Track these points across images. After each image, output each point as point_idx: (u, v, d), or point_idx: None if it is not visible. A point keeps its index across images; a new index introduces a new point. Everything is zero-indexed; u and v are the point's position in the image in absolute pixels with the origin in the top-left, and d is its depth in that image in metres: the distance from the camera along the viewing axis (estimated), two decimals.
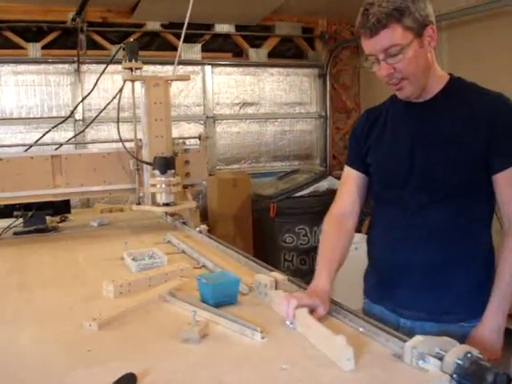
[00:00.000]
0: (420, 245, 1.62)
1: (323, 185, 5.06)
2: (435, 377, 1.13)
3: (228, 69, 5.69)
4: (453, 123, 1.61)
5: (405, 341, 1.21)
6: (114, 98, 2.83)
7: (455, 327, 1.61)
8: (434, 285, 1.60)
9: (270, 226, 5.01)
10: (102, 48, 5.12)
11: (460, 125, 1.59)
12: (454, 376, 1.12)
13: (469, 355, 1.13)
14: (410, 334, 1.29)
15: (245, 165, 5.82)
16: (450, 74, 1.69)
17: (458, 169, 1.59)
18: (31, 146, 2.89)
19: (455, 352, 1.14)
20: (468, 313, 1.64)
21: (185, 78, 2.99)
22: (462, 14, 4.62)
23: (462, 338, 1.52)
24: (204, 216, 5.19)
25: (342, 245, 1.74)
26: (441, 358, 1.15)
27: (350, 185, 1.84)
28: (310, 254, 4.90)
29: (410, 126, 1.69)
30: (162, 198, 2.63)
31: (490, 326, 1.57)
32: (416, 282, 1.60)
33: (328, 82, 6.04)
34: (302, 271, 4.86)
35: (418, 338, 1.19)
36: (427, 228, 1.63)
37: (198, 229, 2.59)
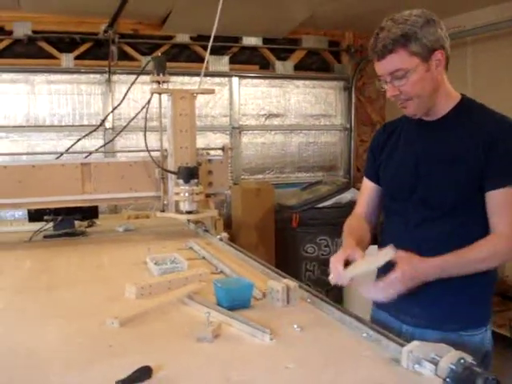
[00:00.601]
0: (422, 256, 1.69)
1: (346, 196, 5.12)
2: (429, 380, 1.21)
3: (255, 81, 5.81)
4: (457, 143, 1.68)
5: (403, 346, 1.29)
6: (142, 109, 2.96)
7: (454, 336, 1.67)
8: (434, 295, 1.66)
9: (292, 236, 5.09)
10: (132, 59, 5.28)
11: (463, 145, 1.67)
12: (447, 380, 1.19)
13: (462, 361, 1.20)
14: (411, 340, 1.35)
15: (269, 175, 5.92)
16: (462, 95, 1.76)
17: (458, 187, 1.66)
18: (62, 154, 3.03)
19: (449, 357, 1.21)
20: (467, 322, 1.71)
21: (209, 92, 3.10)
22: (487, 30, 4.66)
23: (461, 347, 1.51)
24: (228, 224, 5.30)
25: (364, 231, 1.86)
26: (436, 363, 1.22)
27: (366, 196, 1.96)
28: None
29: (418, 143, 1.78)
30: (185, 206, 2.74)
31: (422, 266, 1.60)
32: (417, 291, 1.67)
33: (353, 95, 6.11)
34: (323, 281, 4.91)
35: (414, 344, 1.27)
36: (428, 241, 1.70)
37: (218, 236, 2.69)
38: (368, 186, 1.96)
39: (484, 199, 1.66)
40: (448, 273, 1.62)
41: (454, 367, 1.20)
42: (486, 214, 1.67)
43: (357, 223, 1.91)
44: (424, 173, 1.73)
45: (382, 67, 1.65)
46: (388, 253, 1.56)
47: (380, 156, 1.91)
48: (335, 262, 1.62)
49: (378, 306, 1.89)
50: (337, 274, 1.61)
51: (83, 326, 1.58)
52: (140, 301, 1.79)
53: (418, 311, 1.74)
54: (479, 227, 1.67)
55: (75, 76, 5.13)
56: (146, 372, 1.21)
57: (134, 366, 1.23)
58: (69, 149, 3.19)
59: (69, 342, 1.47)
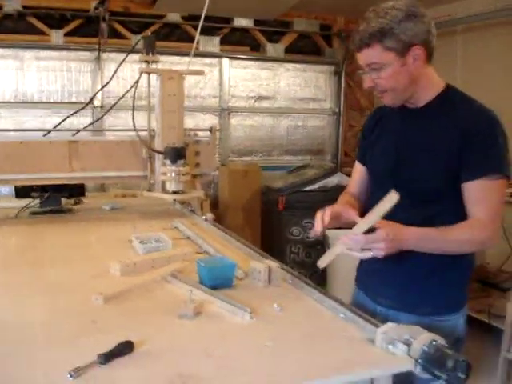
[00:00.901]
0: None
1: (332, 180, 5.16)
2: (402, 360, 1.25)
3: (245, 62, 5.80)
4: (437, 132, 1.71)
5: (378, 327, 1.34)
6: (131, 88, 2.97)
7: (427, 320, 1.70)
8: (408, 278, 1.70)
9: (278, 219, 5.13)
10: (122, 37, 5.25)
11: (443, 134, 1.70)
12: (419, 361, 1.24)
13: (434, 343, 1.25)
14: (385, 321, 1.40)
15: (257, 157, 5.94)
16: (446, 84, 1.79)
17: (437, 175, 1.70)
18: (50, 132, 3.03)
19: (422, 339, 1.26)
20: (439, 307, 1.77)
21: (199, 73, 3.10)
22: (478, 19, 4.68)
23: (435, 331, 1.56)
24: (215, 205, 5.32)
25: (356, 204, 1.92)
26: (409, 344, 1.27)
27: (357, 178, 2.03)
28: (315, 247, 5.01)
29: (400, 129, 1.83)
30: (171, 186, 2.76)
31: (404, 232, 1.62)
32: (392, 274, 1.70)
33: (343, 80, 6.12)
34: (307, 264, 4.97)
35: (389, 325, 1.32)
36: (411, 225, 1.69)
37: (204, 217, 2.72)
38: (358, 169, 2.03)
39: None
40: (425, 245, 1.64)
41: (426, 348, 1.24)
42: (463, 202, 1.70)
43: (349, 197, 1.97)
44: (404, 159, 1.77)
45: (360, 59, 1.71)
46: (392, 197, 1.55)
47: (369, 140, 1.96)
48: (322, 215, 1.67)
49: (358, 285, 1.94)
50: (320, 226, 1.66)
51: (68, 303, 1.61)
52: (124, 278, 1.82)
53: (392, 293, 1.79)
54: (460, 213, 1.70)
55: (65, 53, 5.09)
56: (127, 346, 1.24)
57: (117, 341, 1.27)
58: (57, 126, 3.19)
59: (53, 317, 1.50)
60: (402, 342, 1.28)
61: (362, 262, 1.97)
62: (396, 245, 1.59)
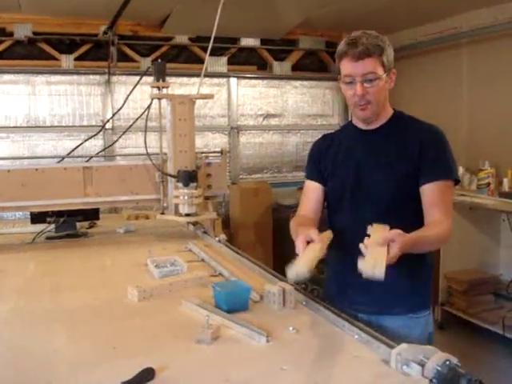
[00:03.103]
0: None
1: None
2: (416, 381, 1.28)
3: (253, 81, 5.88)
4: (392, 149, 1.94)
5: (392, 348, 1.37)
6: (141, 115, 3.03)
7: (405, 318, 1.93)
8: (384, 284, 1.64)
9: (289, 235, 5.13)
10: (131, 60, 5.35)
11: (397, 149, 1.93)
12: (433, 381, 1.26)
13: (447, 362, 1.27)
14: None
15: (267, 174, 6.00)
16: (393, 109, 2.02)
17: (395, 186, 1.91)
18: (63, 158, 3.09)
19: (436, 359, 1.28)
20: (414, 306, 1.96)
21: (208, 97, 3.17)
22: (482, 32, 4.72)
23: (412, 328, 1.92)
24: (226, 223, 5.37)
25: (311, 225, 1.95)
26: (423, 365, 1.30)
27: (310, 195, 2.13)
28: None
29: (358, 148, 2.01)
30: (184, 209, 2.81)
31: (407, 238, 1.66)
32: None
33: None
34: (320, 280, 4.97)
35: (403, 346, 1.34)
36: None
37: (217, 238, 2.75)
38: (312, 188, 2.13)
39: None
40: (416, 248, 1.74)
41: (439, 368, 1.26)
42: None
43: (303, 220, 2.03)
44: (366, 174, 1.95)
45: (357, 67, 1.83)
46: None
47: (323, 162, 2.09)
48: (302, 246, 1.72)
49: (331, 299, 1.98)
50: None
51: (87, 329, 1.65)
52: (142, 303, 1.86)
53: (371, 300, 1.92)
54: (420, 218, 1.89)
55: (75, 77, 5.20)
56: (149, 373, 1.28)
57: (137, 367, 1.30)
58: (71, 152, 3.25)
59: (74, 344, 1.54)
60: (416, 363, 1.31)
61: (331, 281, 2.14)
62: (403, 246, 1.63)
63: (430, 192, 1.88)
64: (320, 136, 2.23)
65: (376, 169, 1.94)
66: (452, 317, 4.21)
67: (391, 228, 1.79)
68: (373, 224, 1.79)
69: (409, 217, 1.89)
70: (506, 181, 4.37)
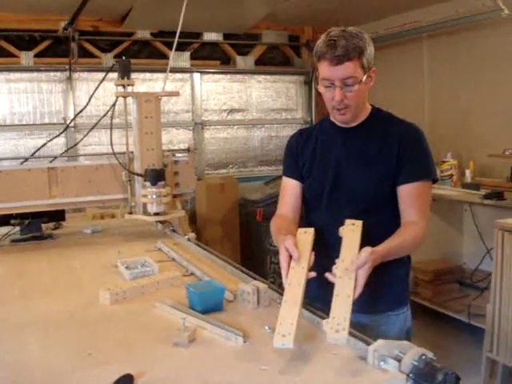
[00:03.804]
0: None
1: None
2: (394, 376, 1.29)
3: (216, 76, 5.86)
4: (371, 147, 1.92)
5: (369, 344, 1.38)
6: (106, 113, 2.98)
7: (384, 316, 1.97)
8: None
9: (256, 230, 5.18)
10: (92, 56, 5.27)
11: (377, 148, 1.92)
12: (411, 375, 1.28)
13: (423, 357, 1.29)
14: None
15: (232, 169, 5.99)
16: (371, 105, 2.00)
17: (374, 185, 1.91)
18: (27, 160, 3.03)
19: (412, 354, 1.30)
20: (392, 304, 2.00)
21: (174, 94, 3.13)
22: (442, 26, 4.79)
23: (391, 325, 1.96)
24: (193, 219, 5.35)
25: (292, 228, 1.94)
26: (399, 360, 1.32)
27: (289, 194, 2.10)
28: None
29: (337, 147, 1.99)
30: (153, 208, 2.79)
31: (377, 254, 1.66)
32: None
33: (313, 89, 6.20)
34: None
35: (379, 342, 1.36)
36: None
37: (186, 237, 2.74)
38: (290, 185, 2.10)
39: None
40: (389, 258, 1.75)
41: (416, 363, 1.28)
42: None
43: (283, 222, 2.02)
44: (345, 172, 1.94)
45: (336, 72, 1.79)
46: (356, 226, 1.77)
47: (301, 159, 2.07)
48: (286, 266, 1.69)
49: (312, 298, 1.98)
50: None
51: (60, 335, 1.62)
52: (114, 306, 1.84)
53: None
54: (399, 217, 1.91)
55: (35, 74, 5.09)
56: (128, 380, 1.27)
57: (115, 373, 1.29)
58: (35, 153, 3.19)
59: (48, 352, 1.51)
60: (392, 358, 1.33)
61: (309, 281, 2.02)
62: (373, 264, 1.64)
63: (407, 193, 1.88)
64: (296, 131, 2.19)
65: (355, 168, 1.93)
66: (418, 306, 4.28)
67: (367, 222, 1.81)
68: (345, 221, 1.81)
69: (387, 216, 1.91)
70: (468, 172, 4.47)
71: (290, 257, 1.69)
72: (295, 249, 1.68)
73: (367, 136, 1.95)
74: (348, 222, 1.81)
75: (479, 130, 4.62)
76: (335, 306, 1.48)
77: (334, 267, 1.62)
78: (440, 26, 4.81)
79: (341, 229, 1.79)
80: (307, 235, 1.80)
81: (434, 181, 1.96)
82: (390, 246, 1.75)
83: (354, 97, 1.83)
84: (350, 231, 1.77)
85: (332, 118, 2.00)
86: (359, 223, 1.79)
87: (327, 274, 1.61)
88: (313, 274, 1.65)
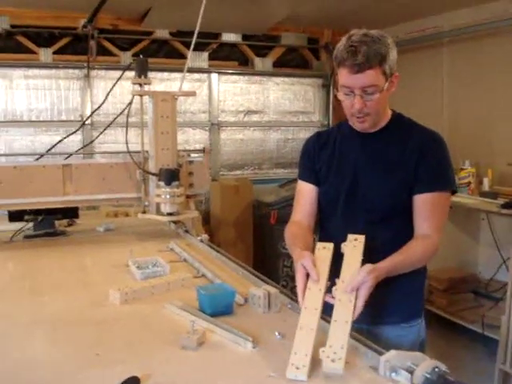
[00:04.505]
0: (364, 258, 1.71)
1: None
2: None
3: (234, 77, 5.83)
4: (390, 153, 1.86)
5: (381, 354, 1.35)
6: (122, 112, 2.97)
7: (397, 328, 1.90)
8: (376, 296, 1.62)
9: (270, 233, 5.14)
10: (111, 54, 5.26)
11: (396, 155, 1.86)
12: None
13: (436, 369, 1.26)
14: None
15: (248, 171, 5.96)
16: (392, 110, 1.94)
17: (392, 194, 1.83)
18: (42, 156, 3.03)
19: (424, 366, 1.27)
20: (406, 316, 1.93)
21: (191, 94, 3.12)
22: (464, 32, 4.74)
23: (405, 337, 1.89)
24: (206, 220, 5.33)
25: (308, 237, 1.92)
26: (411, 372, 1.28)
27: (305, 200, 2.03)
28: None
29: (355, 153, 1.92)
30: (166, 208, 2.77)
31: (380, 271, 1.62)
32: None
33: (331, 92, 6.16)
34: None
35: (391, 353, 1.33)
36: (374, 243, 1.78)
37: (199, 238, 2.72)
38: (306, 189, 2.03)
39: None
40: (393, 273, 1.71)
41: (428, 375, 1.25)
42: None
43: (298, 230, 1.95)
44: (362, 179, 1.88)
45: (357, 80, 1.72)
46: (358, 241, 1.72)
47: (317, 162, 2.01)
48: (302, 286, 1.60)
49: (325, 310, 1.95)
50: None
51: (69, 334, 1.61)
52: (124, 306, 1.83)
53: (363, 311, 1.80)
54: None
55: (53, 71, 5.09)
56: (134, 382, 1.25)
57: (121, 374, 1.27)
58: (51, 149, 3.19)
59: (56, 351, 1.50)
60: (404, 370, 1.30)
61: None
62: (375, 281, 1.59)
63: (422, 203, 1.82)
64: (313, 134, 2.13)
65: (372, 177, 1.87)
66: (432, 315, 4.22)
67: (383, 232, 1.79)
68: (348, 236, 1.75)
69: (402, 225, 1.85)
70: (486, 180, 4.40)
71: (307, 275, 1.61)
72: (314, 269, 1.60)
73: (387, 142, 1.88)
74: (350, 237, 1.75)
75: (499, 138, 4.56)
76: (332, 334, 1.41)
77: (333, 288, 1.57)
78: (461, 32, 4.75)
79: (343, 245, 1.73)
80: (326, 251, 1.71)
81: (453, 192, 1.89)
82: (396, 262, 1.70)
83: (375, 105, 1.77)
84: (352, 248, 1.71)
85: (350, 121, 1.93)
86: (362, 238, 1.73)
87: (327, 299, 1.56)
88: (330, 300, 1.56)
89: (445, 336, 4.15)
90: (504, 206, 3.88)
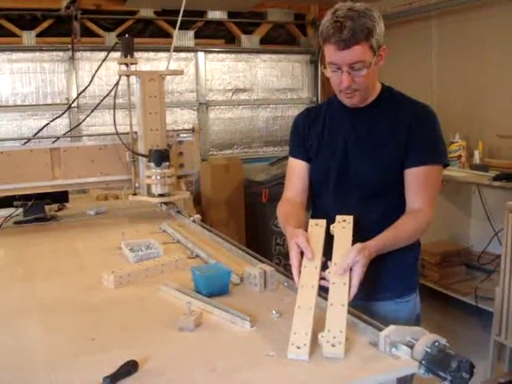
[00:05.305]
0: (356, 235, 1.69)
1: None
2: (406, 363, 1.26)
3: (221, 55, 5.77)
4: (380, 127, 1.83)
5: (380, 330, 1.34)
6: (109, 93, 2.92)
7: (392, 303, 1.90)
8: (371, 272, 1.60)
9: (261, 211, 5.13)
10: (95, 35, 5.19)
11: (386, 129, 1.83)
12: (423, 362, 1.24)
13: (436, 344, 1.26)
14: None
15: (237, 150, 5.93)
16: (381, 84, 1.90)
17: (383, 169, 1.81)
18: (29, 140, 2.98)
19: (424, 341, 1.27)
20: (401, 291, 1.93)
21: (178, 73, 3.08)
22: (452, 4, 4.70)
23: (400, 312, 1.88)
24: (198, 201, 5.30)
25: (300, 215, 1.89)
26: (411, 346, 1.28)
27: (296, 177, 2.00)
28: None
29: (344, 128, 1.89)
30: (157, 189, 2.74)
31: (370, 249, 1.60)
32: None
33: (319, 68, 6.11)
34: None
35: (391, 328, 1.32)
36: (367, 218, 1.78)
37: (191, 218, 2.70)
38: (297, 166, 2.00)
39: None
40: (384, 251, 1.69)
41: (429, 350, 1.25)
42: None
43: (290, 208, 1.93)
44: (353, 155, 1.86)
45: (343, 56, 1.68)
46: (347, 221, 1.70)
47: (308, 139, 1.98)
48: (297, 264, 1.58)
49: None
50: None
51: (63, 319, 1.59)
52: (118, 290, 1.81)
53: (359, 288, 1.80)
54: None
55: (37, 54, 5.01)
56: (132, 366, 1.23)
57: (118, 359, 1.25)
58: (37, 133, 3.14)
59: (51, 336, 1.48)
60: (404, 345, 1.29)
61: None
62: (367, 260, 1.57)
63: (413, 177, 1.79)
64: (303, 110, 2.09)
65: (363, 152, 1.84)
66: (425, 289, 4.24)
67: (375, 208, 1.77)
68: (336, 217, 1.73)
69: (394, 201, 1.84)
70: (476, 153, 4.39)
71: (301, 253, 1.59)
72: (309, 247, 1.58)
73: (377, 116, 1.85)
74: (338, 218, 1.72)
75: (488, 111, 4.54)
76: (330, 318, 1.39)
77: (326, 272, 1.54)
78: (449, 4, 4.70)
79: (331, 227, 1.70)
80: (319, 228, 1.69)
81: (445, 165, 1.86)
82: (387, 238, 1.68)
83: (363, 81, 1.74)
84: (341, 229, 1.68)
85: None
86: (350, 218, 1.71)
87: (322, 282, 1.53)
88: (324, 283, 1.53)
89: (438, 309, 4.18)
90: (495, 179, 3.88)
